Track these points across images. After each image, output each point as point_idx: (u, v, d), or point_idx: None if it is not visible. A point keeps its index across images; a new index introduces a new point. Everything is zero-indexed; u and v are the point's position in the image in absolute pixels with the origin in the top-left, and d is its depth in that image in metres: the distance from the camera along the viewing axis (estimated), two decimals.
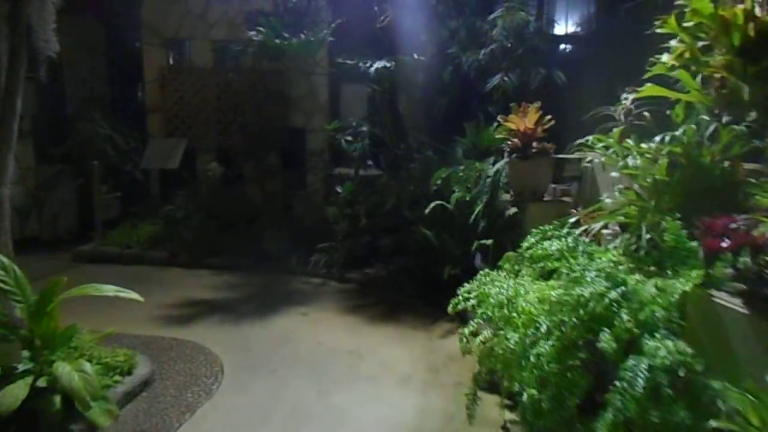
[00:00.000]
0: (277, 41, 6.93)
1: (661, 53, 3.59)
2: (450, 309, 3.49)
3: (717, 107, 3.41)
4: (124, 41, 9.69)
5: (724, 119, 3.35)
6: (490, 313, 3.13)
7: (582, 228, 3.58)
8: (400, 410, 3.76)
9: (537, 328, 2.82)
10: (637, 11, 6.49)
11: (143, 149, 8.71)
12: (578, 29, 8.48)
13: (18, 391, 3.14)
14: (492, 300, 3.16)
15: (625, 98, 4.15)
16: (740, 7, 3.05)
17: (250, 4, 8.14)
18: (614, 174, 3.62)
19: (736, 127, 3.20)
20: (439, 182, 5.83)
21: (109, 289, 3.72)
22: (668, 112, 3.55)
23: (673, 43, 3.53)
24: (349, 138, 7.27)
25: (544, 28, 7.73)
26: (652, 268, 2.95)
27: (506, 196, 5.55)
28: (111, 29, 9.74)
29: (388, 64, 6.47)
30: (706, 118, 3.38)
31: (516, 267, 4.10)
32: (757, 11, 2.95)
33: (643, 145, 3.49)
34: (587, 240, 3.44)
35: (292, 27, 7.15)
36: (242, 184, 8.80)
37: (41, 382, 3.27)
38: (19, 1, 3.85)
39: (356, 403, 3.86)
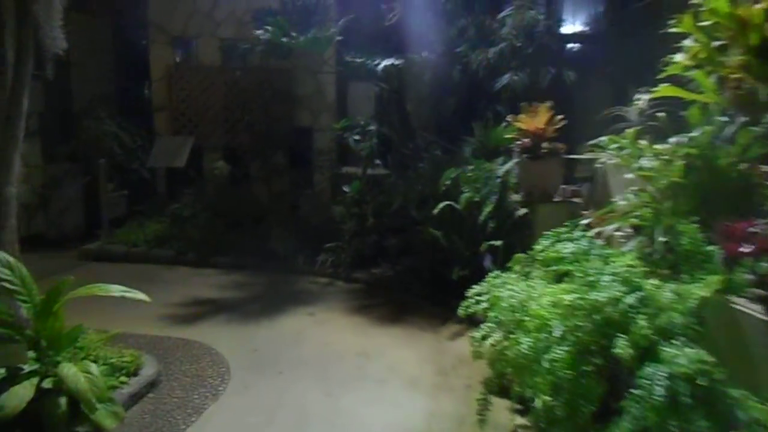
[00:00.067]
0: (285, 39, 6.88)
1: (672, 53, 3.54)
2: (461, 312, 3.44)
3: (732, 108, 3.35)
4: (131, 39, 9.67)
5: (741, 120, 3.29)
6: (501, 317, 3.08)
7: (595, 230, 3.52)
8: (409, 413, 3.71)
9: (550, 333, 2.77)
10: (647, 11, 6.42)
11: (150, 147, 8.68)
12: (585, 28, 8.42)
13: (23, 393, 3.10)
14: (504, 304, 3.10)
15: (639, 98, 4.08)
16: (758, 6, 3.00)
17: (258, 2, 8.07)
18: (628, 175, 3.56)
19: (754, 128, 3.13)
20: (448, 182, 5.77)
21: (116, 290, 3.68)
22: (683, 113, 3.48)
23: (687, 42, 3.47)
24: (357, 137, 7.22)
25: (554, 27, 7.66)
26: (665, 272, 2.90)
27: (516, 197, 5.50)
28: (118, 27, 9.73)
29: (396, 62, 6.41)
30: (723, 119, 3.32)
31: (526, 269, 4.06)
32: None
33: (658, 146, 3.44)
34: (601, 243, 3.39)
35: (300, 25, 7.10)
36: (249, 183, 8.77)
37: (47, 384, 3.23)
38: None
39: (364, 405, 3.81)
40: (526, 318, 3.00)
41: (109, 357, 3.90)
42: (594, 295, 2.56)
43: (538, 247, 3.45)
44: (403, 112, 7.31)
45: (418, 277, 6.19)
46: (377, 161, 7.44)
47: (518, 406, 3.42)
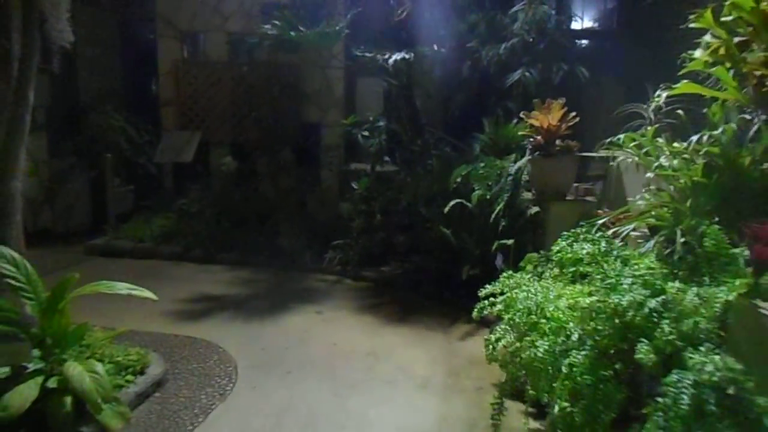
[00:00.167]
0: (293, 34, 6.80)
1: (687, 50, 3.45)
2: (475, 314, 3.37)
3: (755, 105, 3.26)
4: (139, 33, 9.64)
5: (764, 118, 3.20)
6: (517, 319, 3.00)
7: (611, 230, 3.44)
8: (420, 416, 3.63)
9: (568, 336, 2.70)
10: (661, 6, 6.32)
11: (157, 142, 8.65)
12: (595, 24, 8.33)
13: (28, 392, 3.05)
14: (520, 305, 3.02)
15: (658, 95, 3.99)
16: None
17: None
18: (646, 174, 3.47)
19: None
20: (458, 179, 5.68)
21: (122, 287, 3.62)
22: (704, 110, 3.39)
23: (707, 38, 3.38)
24: (366, 133, 7.14)
25: (565, 23, 7.57)
26: (681, 273, 2.81)
27: (528, 195, 5.42)
28: (125, 21, 9.68)
29: (406, 56, 6.32)
30: (746, 117, 3.22)
31: (539, 269, 3.98)
32: None
33: (676, 145, 3.35)
34: (619, 243, 3.30)
35: (308, 19, 7.02)
36: (256, 179, 8.69)
37: (52, 383, 3.17)
38: None
39: (374, 407, 3.74)
40: (542, 320, 2.92)
41: (115, 355, 3.84)
42: (615, 299, 2.48)
43: (554, 248, 3.34)
44: (413, 108, 7.22)
45: (427, 276, 6.11)
46: (386, 158, 7.36)
47: (532, 410, 3.34)
